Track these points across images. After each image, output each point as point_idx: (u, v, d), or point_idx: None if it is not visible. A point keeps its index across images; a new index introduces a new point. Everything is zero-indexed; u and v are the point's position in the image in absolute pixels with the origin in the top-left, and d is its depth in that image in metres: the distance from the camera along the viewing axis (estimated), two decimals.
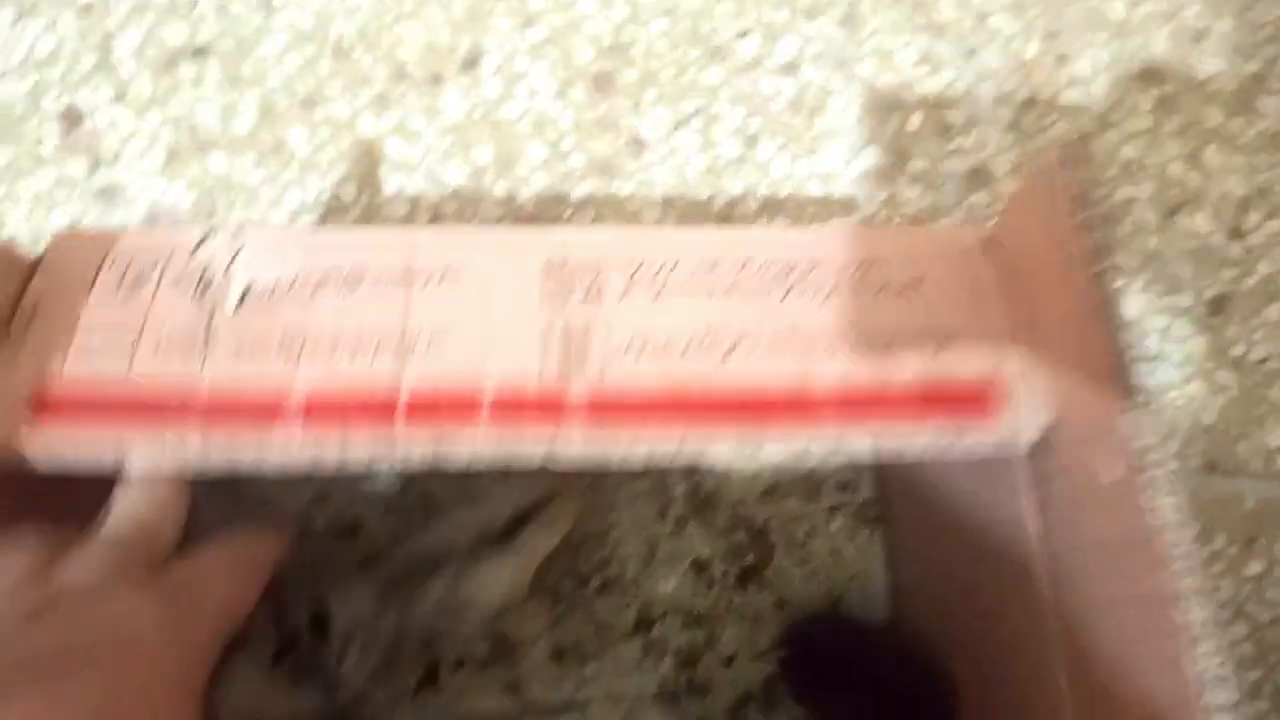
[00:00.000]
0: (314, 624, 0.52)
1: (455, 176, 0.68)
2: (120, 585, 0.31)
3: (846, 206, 0.69)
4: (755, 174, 0.70)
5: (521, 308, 0.38)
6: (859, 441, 0.35)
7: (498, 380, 0.36)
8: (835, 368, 0.37)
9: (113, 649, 0.28)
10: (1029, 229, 0.38)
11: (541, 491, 0.53)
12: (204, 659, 0.32)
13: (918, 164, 0.70)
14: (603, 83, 0.71)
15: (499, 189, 0.68)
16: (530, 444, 0.34)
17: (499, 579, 0.52)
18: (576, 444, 0.34)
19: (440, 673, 0.58)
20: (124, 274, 0.38)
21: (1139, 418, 0.31)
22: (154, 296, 0.37)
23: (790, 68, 0.72)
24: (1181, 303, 0.67)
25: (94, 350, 0.36)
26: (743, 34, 0.72)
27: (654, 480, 0.61)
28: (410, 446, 0.34)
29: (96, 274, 0.38)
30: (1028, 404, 0.36)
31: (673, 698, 0.59)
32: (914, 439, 0.36)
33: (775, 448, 0.35)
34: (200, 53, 0.68)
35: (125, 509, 0.34)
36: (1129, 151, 0.70)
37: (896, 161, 0.70)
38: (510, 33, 0.71)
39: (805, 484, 0.62)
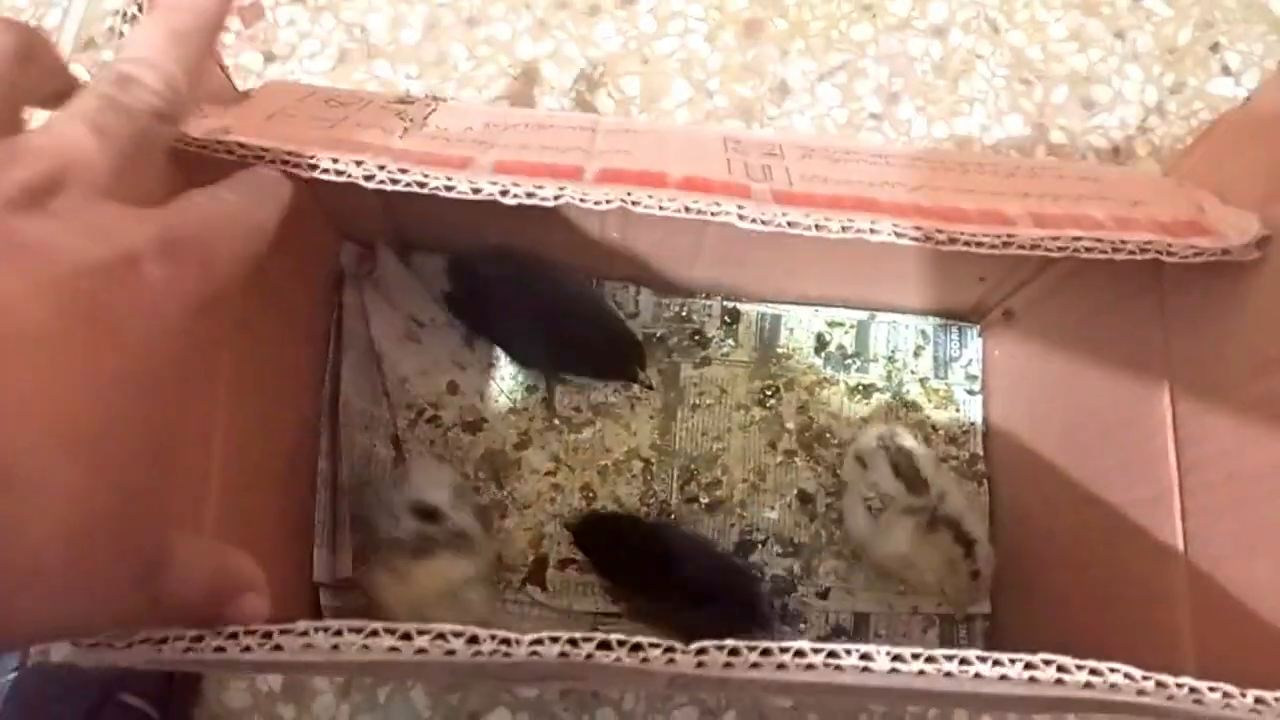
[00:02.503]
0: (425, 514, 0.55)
1: (603, 104, 0.70)
2: (109, 218, 0.26)
3: None
4: (892, 132, 0.71)
5: (704, 148, 0.39)
6: (1064, 236, 0.34)
7: (685, 172, 0.36)
8: (1025, 205, 0.37)
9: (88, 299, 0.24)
10: (1223, 157, 0.38)
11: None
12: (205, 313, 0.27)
13: (1057, 137, 0.71)
14: (753, 29, 0.73)
15: (643, 120, 0.70)
16: (718, 206, 0.34)
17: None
18: (764, 213, 0.34)
19: (546, 570, 0.61)
20: (331, 100, 0.41)
21: None
22: (359, 110, 0.40)
23: (940, 30, 0.73)
24: None
25: (297, 119, 0.38)
26: None
27: (769, 412, 0.63)
28: (600, 193, 0.34)
29: (305, 97, 0.41)
30: (1235, 225, 0.36)
31: (765, 621, 0.61)
32: (1127, 241, 0.35)
33: (971, 234, 0.34)
34: None
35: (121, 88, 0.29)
36: None
37: (1036, 133, 0.71)
38: None
39: (916, 431, 0.63)
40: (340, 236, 0.60)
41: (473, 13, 0.72)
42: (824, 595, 0.61)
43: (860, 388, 0.64)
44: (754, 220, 0.34)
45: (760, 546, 0.61)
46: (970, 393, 0.64)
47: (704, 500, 0.62)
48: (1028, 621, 0.56)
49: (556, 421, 0.62)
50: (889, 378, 0.64)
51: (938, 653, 0.28)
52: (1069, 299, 0.53)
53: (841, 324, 0.65)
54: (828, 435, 0.63)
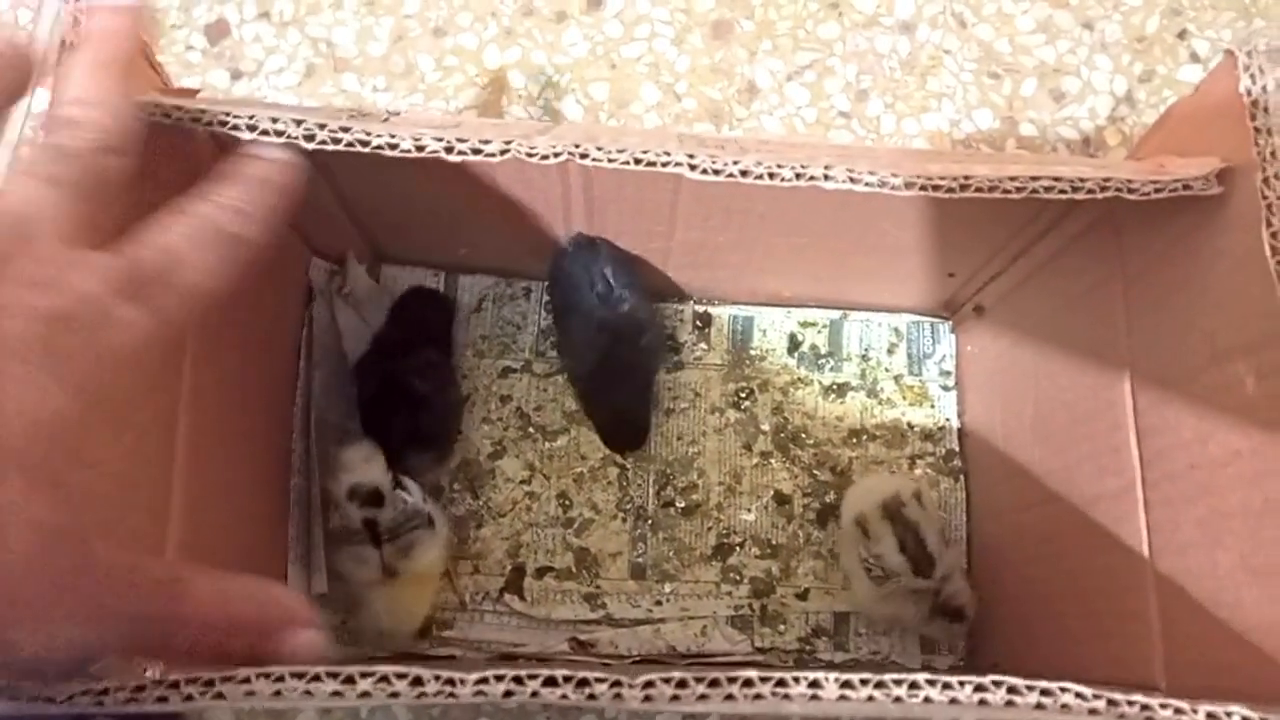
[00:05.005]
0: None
1: (572, 111, 0.70)
2: (73, 250, 0.28)
3: None
4: (862, 129, 0.71)
5: (657, 138, 0.39)
6: (1026, 175, 0.34)
7: (638, 147, 0.36)
8: (990, 170, 0.36)
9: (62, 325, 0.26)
10: (1182, 140, 0.38)
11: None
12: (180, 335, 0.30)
13: (1027, 129, 0.71)
14: (721, 31, 0.73)
15: (612, 126, 0.70)
16: (668, 156, 0.34)
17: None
18: (715, 163, 0.34)
19: (524, 579, 0.61)
20: (277, 105, 0.41)
21: None
22: (307, 113, 0.40)
23: (907, 26, 0.73)
24: None
25: (247, 106, 0.38)
26: None
27: (744, 414, 0.63)
28: (547, 144, 0.34)
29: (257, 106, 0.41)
30: (1197, 165, 0.35)
31: (745, 623, 0.61)
32: (1086, 179, 0.34)
33: (928, 178, 0.34)
34: None
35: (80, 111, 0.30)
36: None
37: (1006, 126, 0.71)
38: None
39: (890, 430, 0.63)
40: (308, 251, 0.60)
41: (439, 23, 0.72)
42: (803, 596, 0.61)
43: (835, 387, 0.64)
44: (705, 170, 0.34)
45: (738, 549, 0.61)
46: (945, 389, 0.64)
47: (680, 504, 0.62)
48: (1004, 616, 0.56)
49: (531, 430, 0.62)
50: (863, 376, 0.64)
51: (887, 678, 0.28)
52: (1037, 292, 0.53)
53: (814, 324, 0.65)
54: (803, 436, 0.63)
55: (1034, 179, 0.34)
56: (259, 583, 0.29)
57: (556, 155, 0.34)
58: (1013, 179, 0.34)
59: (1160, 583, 0.40)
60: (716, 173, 0.34)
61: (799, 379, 0.64)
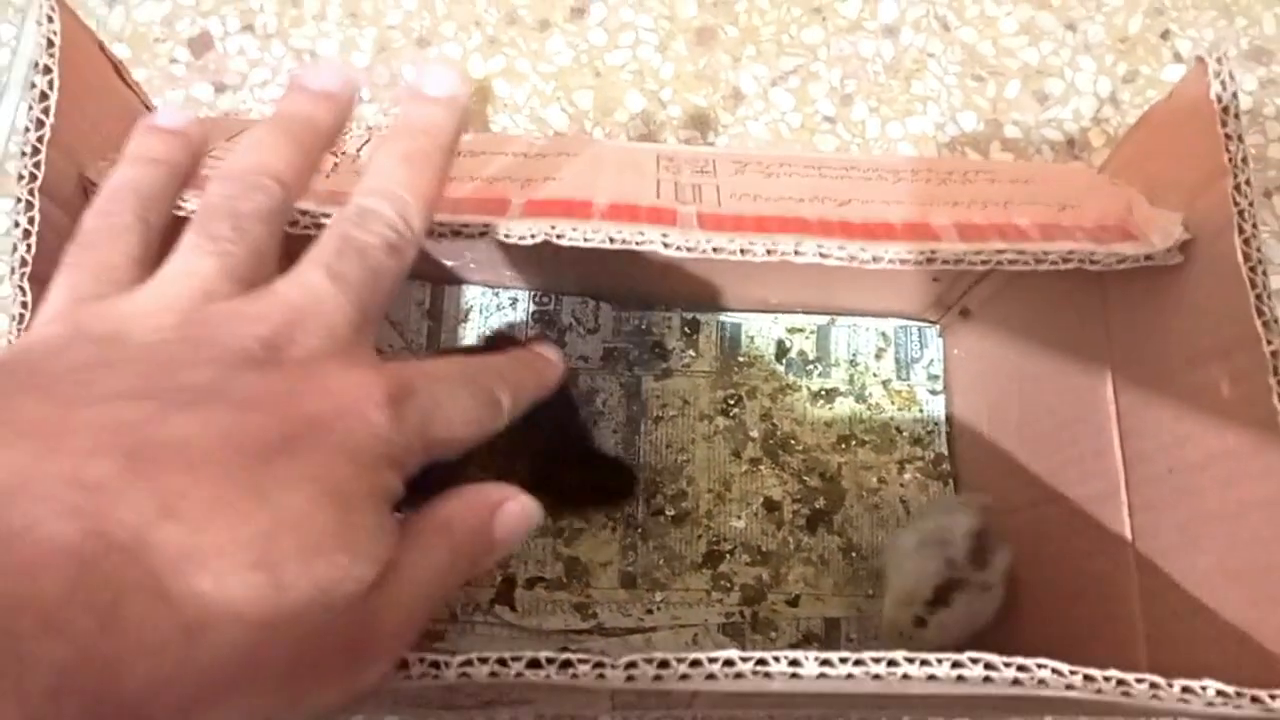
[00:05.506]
0: None
1: (557, 120, 0.70)
2: (331, 359, 0.26)
3: None
4: (847, 134, 0.71)
5: (635, 169, 0.39)
6: (987, 249, 0.35)
7: (612, 198, 0.37)
8: (954, 215, 0.37)
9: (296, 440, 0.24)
10: (1156, 147, 0.38)
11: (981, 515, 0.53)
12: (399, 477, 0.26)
13: (1011, 131, 0.71)
14: (704, 37, 0.73)
15: (598, 133, 0.70)
16: (642, 235, 0.34)
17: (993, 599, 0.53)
18: (688, 239, 0.34)
19: (515, 589, 0.61)
20: None
21: None
22: None
23: (891, 30, 0.73)
24: (1274, 283, 0.67)
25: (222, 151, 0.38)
26: None
27: (733, 421, 0.63)
28: (525, 227, 0.35)
29: (237, 134, 0.41)
30: (1160, 228, 0.36)
31: (736, 630, 0.61)
32: (1049, 251, 0.35)
33: (895, 254, 0.34)
34: None
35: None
36: None
37: (990, 129, 0.71)
38: None
39: (880, 435, 0.63)
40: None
41: (423, 33, 0.72)
42: (794, 603, 0.61)
43: (823, 392, 0.64)
44: (679, 248, 0.34)
45: (728, 556, 0.61)
46: (933, 393, 0.64)
47: (670, 512, 0.62)
48: (994, 625, 0.56)
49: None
50: (851, 381, 0.64)
51: (865, 655, 0.28)
52: (1020, 295, 0.53)
53: (802, 329, 0.65)
54: (792, 442, 0.63)
55: (999, 252, 0.34)
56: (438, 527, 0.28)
57: (533, 237, 0.34)
58: (978, 252, 0.35)
59: (1144, 586, 0.40)
60: (690, 249, 0.34)
61: (787, 385, 0.64)
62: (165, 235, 0.30)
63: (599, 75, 0.71)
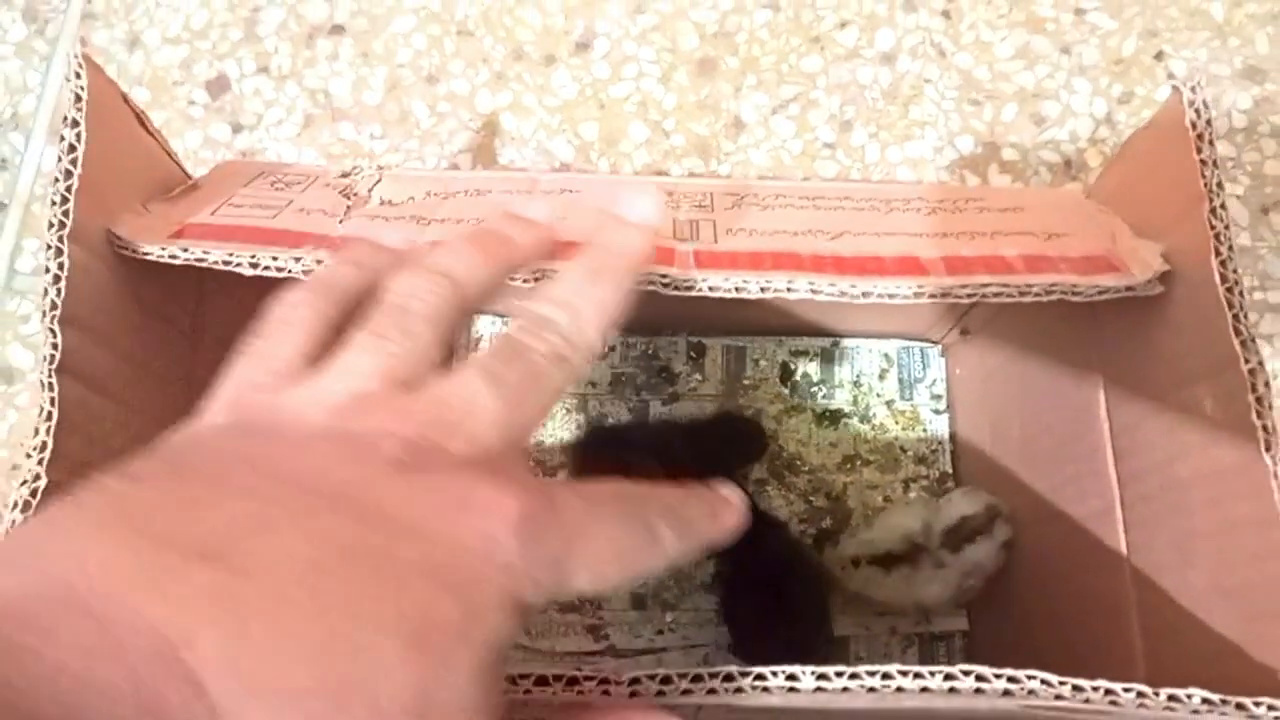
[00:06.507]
0: None
1: (563, 151, 0.72)
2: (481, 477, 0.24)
3: None
4: (847, 159, 0.72)
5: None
6: (973, 283, 0.36)
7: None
8: (942, 247, 0.38)
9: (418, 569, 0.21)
10: (1139, 173, 0.40)
11: (983, 508, 0.55)
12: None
13: (1009, 154, 0.72)
14: (706, 68, 0.75)
15: (603, 164, 0.72)
16: (642, 275, 0.35)
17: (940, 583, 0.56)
18: (686, 279, 0.36)
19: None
20: (276, 180, 0.43)
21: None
22: (303, 191, 0.42)
23: (888, 57, 0.74)
24: (1271, 299, 0.68)
25: (242, 208, 0.40)
26: (843, 25, 0.75)
27: None
28: (527, 270, 0.35)
29: (253, 179, 0.43)
30: (1141, 260, 0.37)
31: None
32: (1033, 284, 0.36)
33: (884, 289, 0.36)
34: (337, 30, 0.74)
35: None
36: (1223, 149, 0.71)
37: (988, 151, 0.72)
38: (621, 18, 0.75)
39: (884, 455, 0.64)
40: None
41: (432, 70, 0.74)
42: None
43: (828, 414, 0.65)
44: (676, 287, 0.36)
45: None
46: (936, 412, 0.65)
47: None
48: (1002, 638, 0.56)
49: (531, 464, 0.64)
50: (855, 402, 0.65)
51: (861, 669, 0.29)
52: (1017, 317, 0.54)
53: (806, 352, 0.66)
54: (798, 463, 0.64)
55: (984, 285, 0.36)
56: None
57: (538, 277, 0.36)
58: (963, 286, 0.36)
59: (1142, 604, 0.41)
60: (688, 289, 0.36)
61: (792, 407, 0.65)
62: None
63: (603, 107, 0.73)
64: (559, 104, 0.73)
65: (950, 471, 0.64)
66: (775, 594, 0.57)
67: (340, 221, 0.39)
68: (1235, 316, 0.33)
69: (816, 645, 0.57)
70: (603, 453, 0.61)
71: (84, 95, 0.35)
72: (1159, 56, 0.74)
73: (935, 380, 0.65)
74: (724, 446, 0.62)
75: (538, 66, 0.74)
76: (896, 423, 0.65)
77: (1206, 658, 0.36)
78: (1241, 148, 0.71)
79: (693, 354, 0.66)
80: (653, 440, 0.61)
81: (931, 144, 0.72)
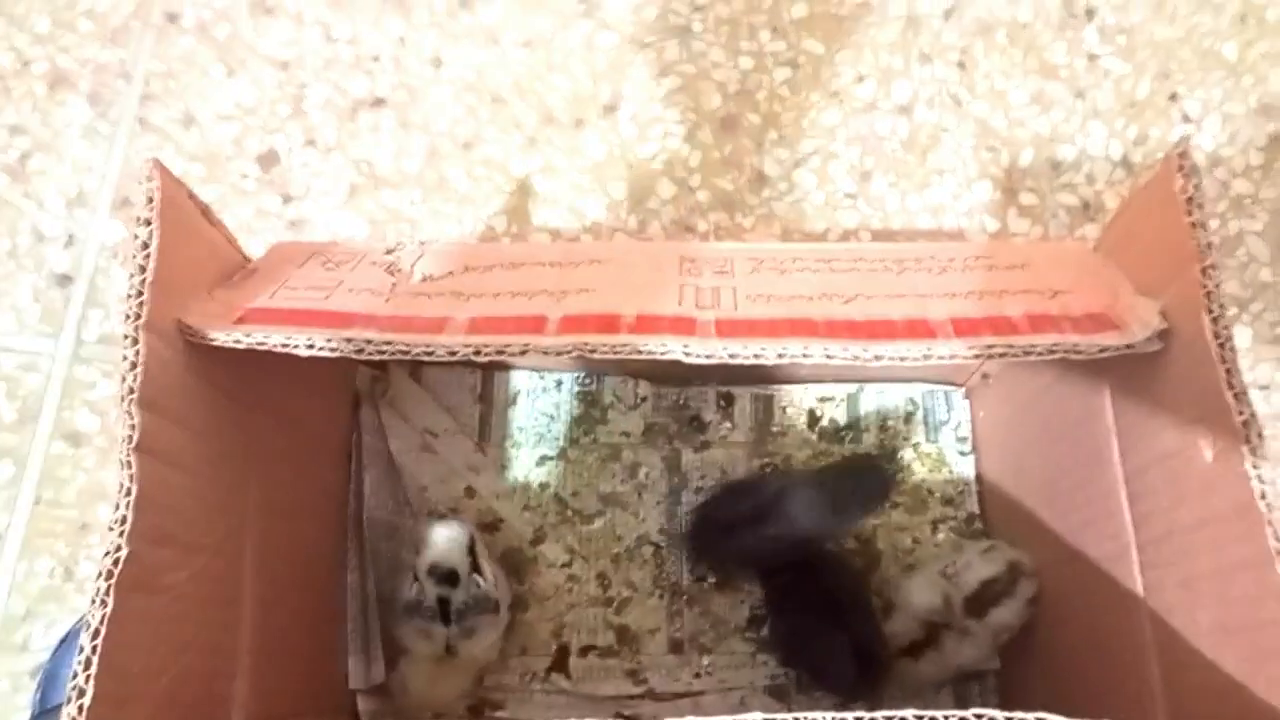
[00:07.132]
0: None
1: (593, 210, 0.75)
2: None
3: (956, 239, 0.73)
4: (868, 208, 0.75)
5: (659, 276, 0.44)
6: (979, 344, 0.38)
7: (638, 309, 0.41)
8: (950, 308, 0.40)
9: None
10: (1139, 230, 0.42)
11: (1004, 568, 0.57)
12: None
13: (1027, 198, 0.74)
14: (729, 125, 0.78)
15: (632, 221, 0.75)
16: (664, 346, 0.38)
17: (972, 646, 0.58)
18: (707, 348, 0.38)
19: (569, 658, 0.64)
20: (326, 261, 0.47)
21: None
22: (352, 270, 0.45)
23: (905, 109, 0.77)
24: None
25: (297, 291, 0.43)
26: (860, 79, 0.78)
27: None
28: (560, 343, 0.39)
29: (306, 260, 0.47)
30: (1140, 318, 0.39)
31: (781, 692, 0.63)
32: (1036, 344, 0.38)
33: (895, 352, 0.38)
34: (378, 103, 0.78)
35: None
36: (1241, 186, 0.72)
37: (1006, 196, 0.74)
38: (646, 81, 0.78)
39: (912, 497, 0.66)
40: (354, 361, 0.66)
41: (468, 138, 0.78)
42: None
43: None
44: (698, 356, 0.38)
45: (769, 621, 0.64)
46: (962, 454, 0.66)
47: (712, 580, 0.65)
48: (1031, 676, 0.57)
49: (569, 514, 0.66)
50: (882, 446, 0.67)
51: (879, 715, 0.31)
52: (1034, 361, 0.56)
53: (832, 398, 0.68)
54: None
55: (989, 346, 0.38)
56: None
57: (565, 352, 0.39)
58: (970, 347, 0.38)
59: (1158, 641, 0.42)
60: (709, 357, 0.39)
61: (820, 452, 0.67)
62: None
63: (631, 167, 0.77)
64: (589, 164, 0.77)
65: (978, 512, 0.65)
66: (822, 596, 0.60)
67: (386, 300, 0.43)
68: (1228, 371, 0.35)
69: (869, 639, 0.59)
70: (723, 521, 0.63)
71: (157, 197, 0.39)
72: (1173, 98, 0.76)
73: (960, 423, 0.67)
74: (855, 493, 0.63)
75: (568, 129, 0.78)
76: (923, 465, 0.66)
77: (1218, 693, 0.37)
78: (1259, 184, 0.72)
79: (722, 402, 0.68)
80: (776, 501, 0.61)
81: (950, 191, 0.74)
